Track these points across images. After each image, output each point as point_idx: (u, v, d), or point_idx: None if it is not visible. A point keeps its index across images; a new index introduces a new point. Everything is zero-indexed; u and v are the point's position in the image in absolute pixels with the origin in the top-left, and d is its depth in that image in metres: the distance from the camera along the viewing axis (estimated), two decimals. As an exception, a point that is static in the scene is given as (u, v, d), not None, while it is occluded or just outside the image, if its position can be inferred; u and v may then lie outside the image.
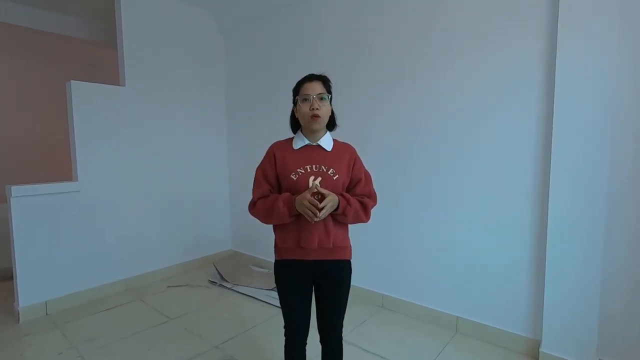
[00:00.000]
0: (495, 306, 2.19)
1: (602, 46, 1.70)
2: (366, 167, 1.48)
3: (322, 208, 1.21)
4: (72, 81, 2.79)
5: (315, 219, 1.23)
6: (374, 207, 1.43)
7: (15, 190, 2.48)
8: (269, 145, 1.44)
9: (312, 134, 1.38)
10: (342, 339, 1.48)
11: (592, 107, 1.74)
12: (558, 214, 1.86)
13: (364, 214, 1.37)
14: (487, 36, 2.11)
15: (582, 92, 1.76)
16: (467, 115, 2.22)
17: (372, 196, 1.44)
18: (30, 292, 2.58)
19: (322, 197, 1.24)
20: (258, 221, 1.41)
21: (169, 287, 3.18)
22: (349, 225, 1.44)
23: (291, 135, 1.46)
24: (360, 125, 2.73)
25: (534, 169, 2.00)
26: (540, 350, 1.96)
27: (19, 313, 2.53)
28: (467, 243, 2.27)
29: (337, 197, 1.28)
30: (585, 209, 1.78)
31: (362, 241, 2.67)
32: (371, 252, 2.73)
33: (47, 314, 2.65)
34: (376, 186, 1.49)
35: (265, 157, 1.42)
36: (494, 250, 2.17)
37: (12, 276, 2.59)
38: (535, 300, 2.03)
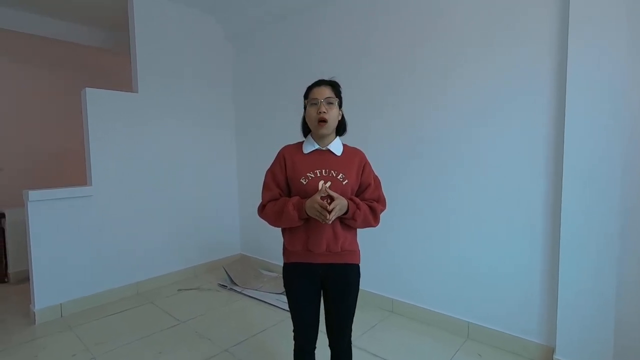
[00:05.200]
0: (507, 312, 2.15)
1: (613, 49, 1.68)
2: (375, 172, 1.48)
3: (332, 210, 1.22)
4: (87, 88, 2.86)
5: (326, 221, 1.23)
6: (383, 212, 1.43)
7: (33, 194, 2.55)
8: (278, 149, 1.46)
9: (321, 138, 1.39)
10: (351, 343, 1.47)
11: (604, 109, 1.71)
12: (571, 218, 1.83)
13: (373, 218, 1.38)
14: (496, 38, 2.10)
15: (594, 95, 1.74)
16: (476, 119, 2.20)
17: (381, 201, 1.44)
18: (45, 294, 2.64)
19: (332, 200, 1.25)
20: (267, 225, 1.42)
21: (179, 290, 3.21)
22: (358, 229, 1.44)
23: (302, 139, 1.48)
24: (364, 129, 2.73)
25: (545, 173, 1.97)
26: (554, 357, 1.92)
27: (34, 315, 2.59)
28: (479, 248, 2.24)
29: (345, 201, 1.28)
30: (599, 214, 1.75)
31: (371, 245, 2.66)
32: (381, 256, 2.72)
33: (61, 316, 2.70)
34: (385, 191, 1.49)
35: (275, 161, 1.43)
36: (506, 255, 2.14)
37: (29, 278, 2.65)
38: (549, 306, 1.99)
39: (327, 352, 1.49)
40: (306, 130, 1.46)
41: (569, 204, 1.84)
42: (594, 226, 1.77)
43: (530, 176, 2.03)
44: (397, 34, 2.54)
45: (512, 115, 2.07)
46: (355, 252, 1.43)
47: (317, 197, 1.24)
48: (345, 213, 1.30)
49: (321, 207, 1.22)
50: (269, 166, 1.46)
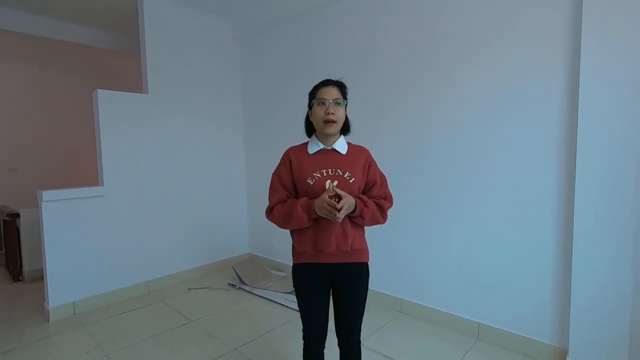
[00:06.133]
0: (518, 313, 2.12)
1: (628, 43, 1.64)
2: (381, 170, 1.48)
3: (341, 208, 1.21)
4: (98, 90, 2.91)
5: (337, 219, 1.23)
6: (390, 209, 1.43)
7: (46, 195, 2.60)
8: (286, 149, 1.46)
9: (326, 138, 1.39)
10: (360, 342, 1.47)
11: (618, 106, 1.68)
12: (584, 218, 1.80)
13: (380, 215, 1.38)
14: (504, 36, 2.07)
15: (608, 92, 1.70)
16: (485, 117, 2.18)
17: (388, 198, 1.44)
18: (59, 292, 2.69)
19: (339, 199, 1.25)
20: (275, 225, 1.42)
21: (189, 289, 3.24)
22: (367, 227, 1.44)
23: (306, 139, 1.48)
24: (369, 129, 2.73)
25: (558, 172, 1.94)
26: (567, 359, 1.88)
27: (48, 313, 2.64)
28: (489, 248, 2.22)
29: (353, 199, 1.28)
30: (613, 214, 1.71)
31: (380, 245, 2.66)
32: (389, 256, 2.71)
33: (74, 313, 2.75)
34: (392, 190, 1.48)
35: (280, 163, 1.43)
36: (517, 255, 2.11)
37: (43, 277, 2.71)
38: (562, 307, 1.96)
39: (336, 352, 1.49)
40: (309, 129, 1.46)
41: (582, 204, 1.80)
42: (607, 226, 1.73)
43: (542, 175, 2.00)
44: (405, 34, 2.53)
45: (522, 113, 2.04)
46: (365, 251, 1.43)
47: (325, 196, 1.24)
48: (353, 211, 1.30)
49: (330, 205, 1.22)
50: (275, 168, 1.46)
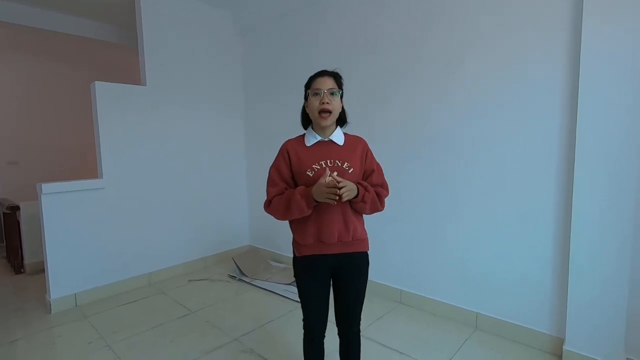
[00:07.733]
0: (516, 303, 2.14)
1: (629, 38, 1.63)
2: (379, 162, 1.49)
3: (342, 187, 1.20)
4: (96, 82, 2.89)
5: (340, 200, 1.21)
6: (387, 197, 1.44)
7: (46, 187, 2.60)
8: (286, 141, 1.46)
9: (322, 129, 1.39)
10: (360, 332, 1.49)
11: (619, 100, 1.67)
12: (582, 210, 1.80)
13: (379, 202, 1.39)
14: (505, 27, 2.05)
15: (609, 86, 1.69)
16: (487, 110, 2.17)
17: (384, 186, 1.45)
18: (60, 284, 2.71)
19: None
20: (274, 218, 1.42)
21: (190, 281, 3.26)
22: (367, 217, 1.45)
23: (302, 131, 1.47)
24: (371, 120, 2.72)
25: (558, 165, 1.94)
26: (563, 347, 1.91)
27: (50, 304, 2.66)
28: (488, 240, 2.23)
29: (353, 184, 1.28)
30: (611, 205, 1.71)
31: (379, 236, 2.67)
32: (389, 247, 2.72)
33: (76, 305, 2.77)
34: (392, 182, 1.49)
35: (279, 156, 1.42)
36: (516, 246, 2.12)
37: (44, 269, 2.72)
38: (559, 297, 1.98)
39: (336, 341, 1.51)
40: (305, 121, 1.46)
41: (580, 198, 1.80)
42: (606, 217, 1.74)
43: (542, 168, 1.99)
44: (403, 24, 2.50)
45: (523, 107, 2.03)
46: (365, 240, 1.44)
47: (323, 180, 1.23)
48: (355, 197, 1.30)
49: (329, 187, 1.20)
50: (272, 162, 1.45)
